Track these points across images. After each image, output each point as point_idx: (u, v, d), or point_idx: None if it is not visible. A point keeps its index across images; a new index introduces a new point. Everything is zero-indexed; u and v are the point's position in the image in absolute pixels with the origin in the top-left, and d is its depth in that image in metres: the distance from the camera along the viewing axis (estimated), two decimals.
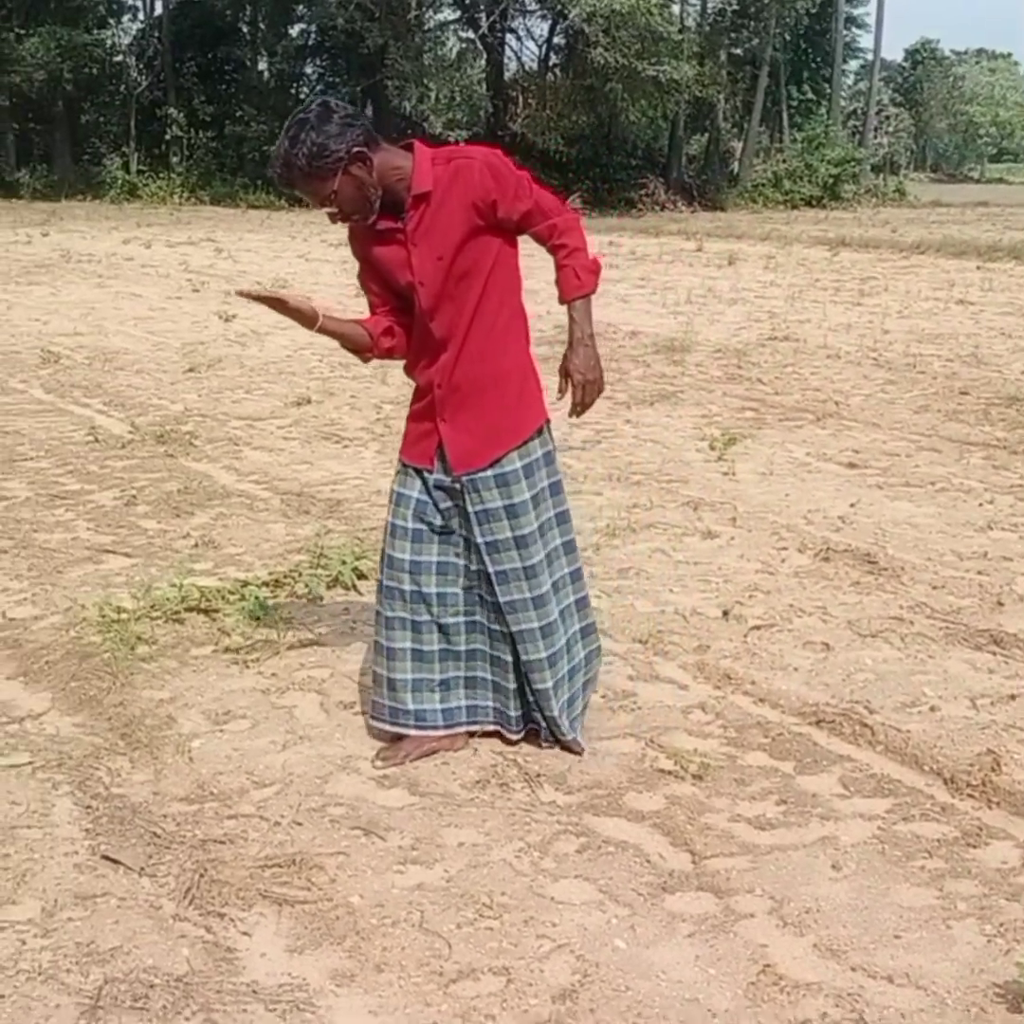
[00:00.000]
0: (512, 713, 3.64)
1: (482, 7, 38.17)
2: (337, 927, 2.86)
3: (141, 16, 43.30)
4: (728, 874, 3.06)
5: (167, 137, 38.48)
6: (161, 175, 37.39)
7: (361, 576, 5.07)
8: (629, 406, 8.82)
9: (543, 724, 3.64)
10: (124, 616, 4.55)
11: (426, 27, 40.13)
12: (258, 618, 4.64)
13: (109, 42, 40.98)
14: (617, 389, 9.38)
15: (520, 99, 39.72)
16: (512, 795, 3.44)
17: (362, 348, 3.54)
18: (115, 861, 3.10)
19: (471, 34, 40.67)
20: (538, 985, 2.66)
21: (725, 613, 4.74)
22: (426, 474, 3.49)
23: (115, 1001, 2.59)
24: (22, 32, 35.61)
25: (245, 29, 41.68)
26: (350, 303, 13.24)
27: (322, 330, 3.46)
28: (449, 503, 3.51)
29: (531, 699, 3.60)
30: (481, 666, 3.63)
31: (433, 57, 40.83)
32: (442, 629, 3.58)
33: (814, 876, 3.06)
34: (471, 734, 3.70)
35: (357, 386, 9.57)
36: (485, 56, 41.20)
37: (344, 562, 5.12)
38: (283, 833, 3.25)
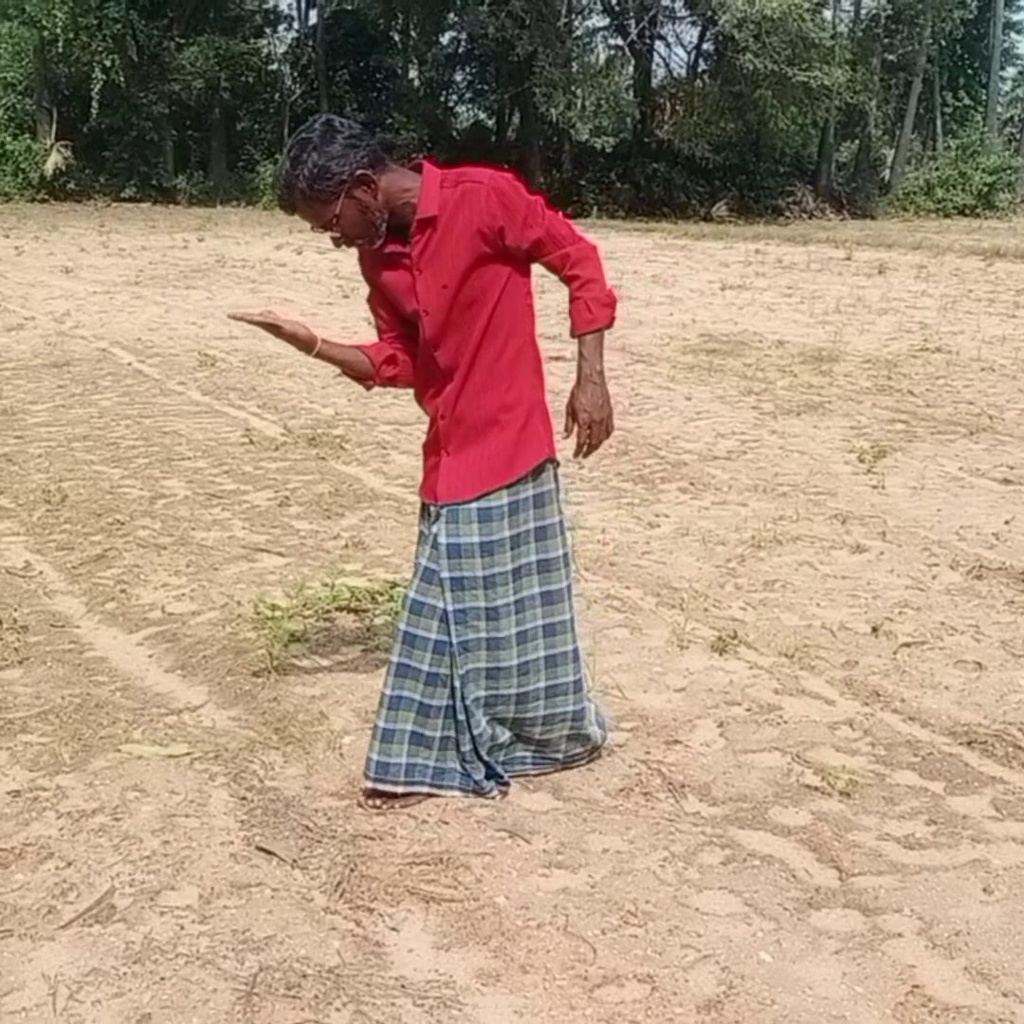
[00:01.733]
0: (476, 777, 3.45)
1: (631, 14, 38.09)
2: (483, 927, 2.90)
3: (296, 25, 44.22)
4: (876, 893, 3.03)
5: None
6: None
7: None
8: (775, 416, 8.73)
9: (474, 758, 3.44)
10: (278, 614, 4.66)
11: (575, 34, 40.14)
12: None
13: (265, 51, 41.92)
14: (763, 399, 9.32)
15: (667, 106, 39.58)
16: (656, 804, 3.45)
17: (363, 375, 3.42)
18: (269, 852, 3.19)
19: (620, 41, 40.60)
20: (682, 994, 2.66)
21: (874, 629, 4.67)
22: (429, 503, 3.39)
23: (269, 989, 2.67)
24: (182, 41, 36.64)
25: (397, 37, 42.27)
26: None
27: (320, 356, 3.35)
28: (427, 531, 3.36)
29: (465, 739, 3.41)
30: (449, 723, 3.42)
31: (581, 64, 40.83)
32: (428, 680, 3.35)
33: (964, 898, 3.01)
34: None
35: None
36: (633, 63, 41.10)
37: None
38: (430, 832, 3.30)
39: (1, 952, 2.78)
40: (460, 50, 42.22)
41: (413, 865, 3.14)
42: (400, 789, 3.40)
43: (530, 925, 2.91)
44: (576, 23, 40.73)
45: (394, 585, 4.99)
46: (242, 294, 15.57)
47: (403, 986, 2.69)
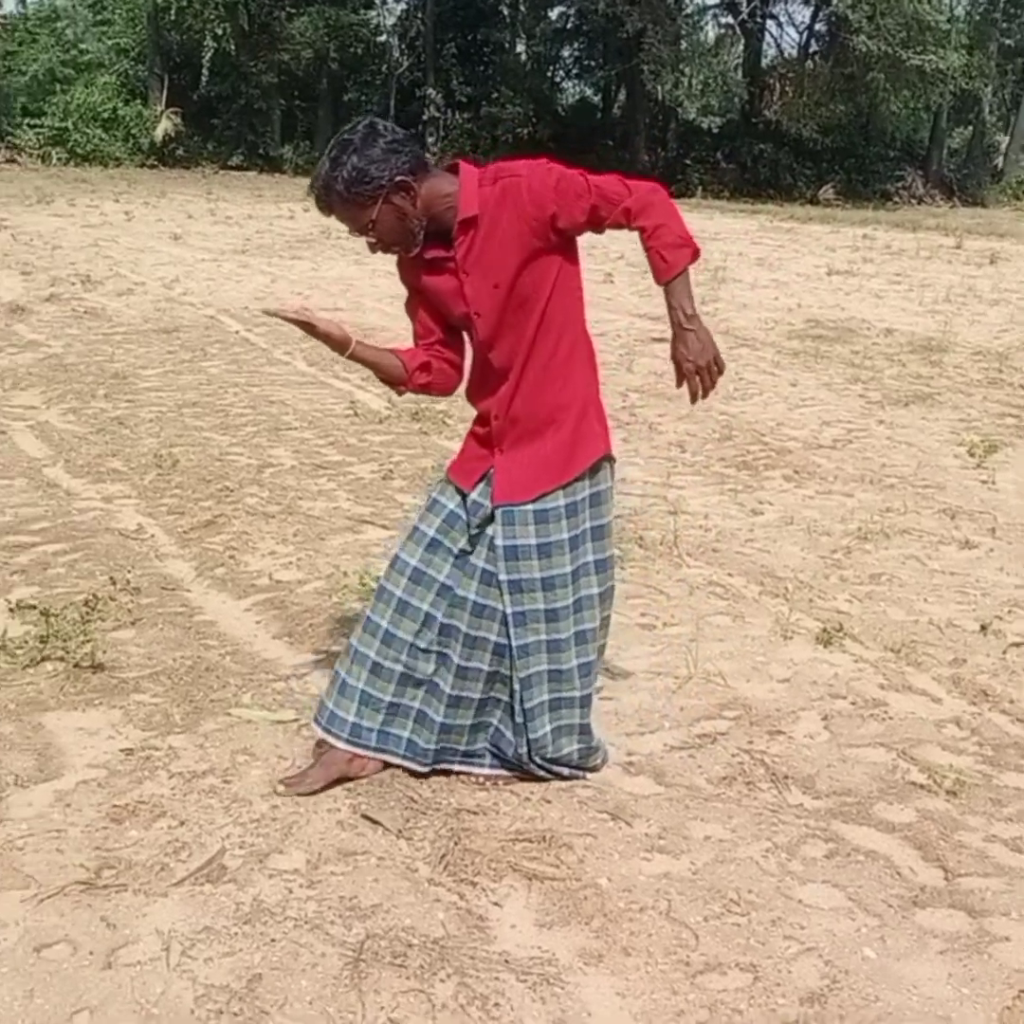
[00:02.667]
0: (429, 746, 3.41)
1: None
2: (585, 907, 2.92)
3: None
4: (983, 894, 3.00)
5: (424, 117, 39.30)
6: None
7: None
8: (882, 406, 8.61)
9: (525, 760, 3.42)
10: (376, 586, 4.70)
11: (686, 12, 39.74)
12: None
13: (374, 22, 42.06)
14: (870, 387, 9.19)
15: (777, 86, 39.08)
16: (758, 795, 3.44)
17: (396, 380, 3.33)
18: (374, 822, 3.23)
19: (731, 19, 40.16)
20: (786, 986, 2.66)
21: (983, 627, 4.60)
22: (466, 493, 3.31)
23: (376, 956, 2.71)
24: (293, 11, 36.88)
25: (505, 11, 42.11)
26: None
27: (354, 357, 3.26)
28: (479, 530, 3.29)
29: (522, 741, 3.37)
30: (436, 704, 3.37)
31: (690, 42, 40.44)
32: (411, 650, 3.34)
33: None
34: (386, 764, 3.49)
35: (604, 373, 9.56)
36: (743, 42, 40.63)
37: None
38: (533, 809, 3.33)
39: (117, 906, 2.86)
40: (568, 25, 41.99)
41: (516, 841, 3.17)
42: (370, 753, 3.41)
43: (632, 908, 2.92)
44: (687, 1, 40.37)
45: None
46: (347, 266, 15.67)
47: (506, 961, 2.72)
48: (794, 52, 40.69)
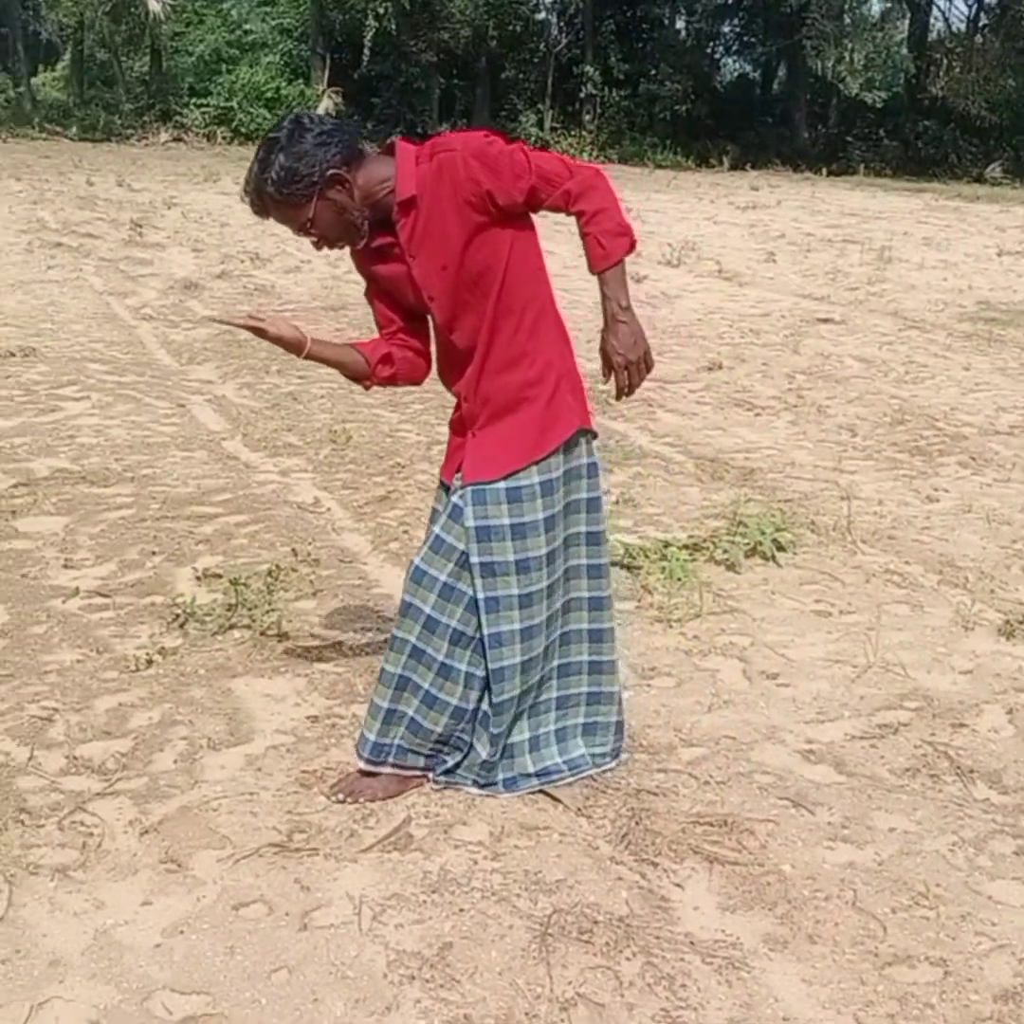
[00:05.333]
0: (371, 737, 3.24)
1: None
2: (768, 892, 2.91)
3: None
4: None
5: (581, 95, 39.14)
6: (572, 132, 38.12)
7: (780, 548, 5.07)
8: None
9: (462, 768, 3.29)
10: None
11: None
12: (679, 579, 4.74)
13: (534, 0, 42.01)
14: None
15: (943, 61, 37.94)
16: (943, 787, 3.38)
17: (360, 375, 3.21)
18: (555, 798, 3.27)
19: None
20: (978, 982, 2.62)
21: None
22: (448, 485, 3.20)
23: (563, 931, 2.75)
24: None
25: None
26: (722, 288, 13.21)
27: (311, 357, 3.12)
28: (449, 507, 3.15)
29: (467, 738, 3.25)
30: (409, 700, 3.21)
31: (854, 17, 39.48)
32: (414, 653, 3.16)
33: None
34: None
35: (768, 354, 9.51)
36: (909, 16, 39.55)
37: (763, 532, 5.14)
38: (713, 794, 3.33)
39: (309, 869, 2.95)
40: (729, 1, 41.38)
41: (696, 824, 3.17)
42: (386, 770, 3.26)
43: (817, 896, 2.90)
44: None
45: (667, 544, 5.02)
46: None
47: (691, 943, 2.73)
48: (962, 26, 39.52)
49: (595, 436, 3.24)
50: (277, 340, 3.09)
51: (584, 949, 2.70)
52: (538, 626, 3.15)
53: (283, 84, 36.93)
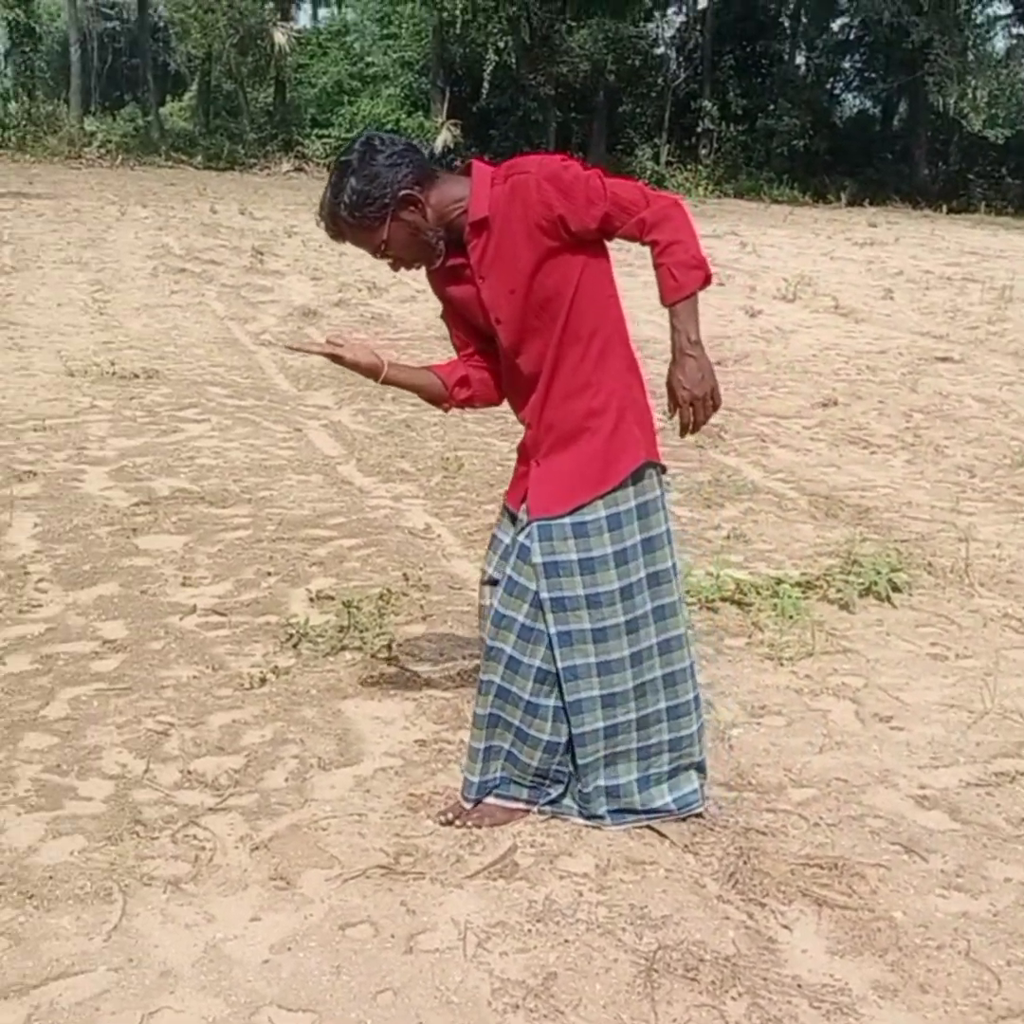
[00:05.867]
0: (474, 779, 3.25)
1: None
2: (878, 938, 2.86)
3: (685, 9, 44.26)
4: None
5: (698, 129, 39.18)
6: (688, 167, 38.14)
7: (896, 589, 4.99)
8: None
9: (567, 798, 3.29)
10: None
11: (975, 22, 38.42)
12: (791, 617, 4.69)
13: (653, 35, 42.18)
14: None
15: None
16: None
17: (438, 398, 3.21)
18: (661, 834, 3.24)
19: (1023, 30, 38.56)
20: None
21: None
22: (515, 514, 3.16)
23: (668, 967, 2.72)
24: (574, 24, 37.34)
25: (786, 23, 41.62)
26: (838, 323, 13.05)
27: (388, 381, 3.15)
28: (513, 540, 3.14)
29: (567, 768, 3.24)
30: (512, 739, 3.21)
31: (978, 53, 39.00)
32: (501, 694, 3.16)
33: None
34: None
35: (885, 391, 9.39)
36: None
37: (878, 572, 5.06)
38: (823, 836, 3.28)
39: (415, 892, 2.96)
40: (851, 36, 41.16)
41: (806, 866, 3.13)
42: (491, 800, 3.27)
43: (929, 944, 2.84)
44: (976, 11, 38.98)
45: (779, 581, 4.97)
46: (621, 277, 15.73)
47: (799, 985, 2.69)
48: None
49: (664, 470, 3.17)
50: (353, 366, 3.13)
51: (690, 987, 2.67)
52: (617, 661, 3.10)
53: (403, 116, 37.56)
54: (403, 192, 2.88)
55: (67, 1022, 2.51)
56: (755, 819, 3.35)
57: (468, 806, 3.26)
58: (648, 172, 37.53)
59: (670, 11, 44.28)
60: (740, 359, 10.55)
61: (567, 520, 3.01)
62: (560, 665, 3.07)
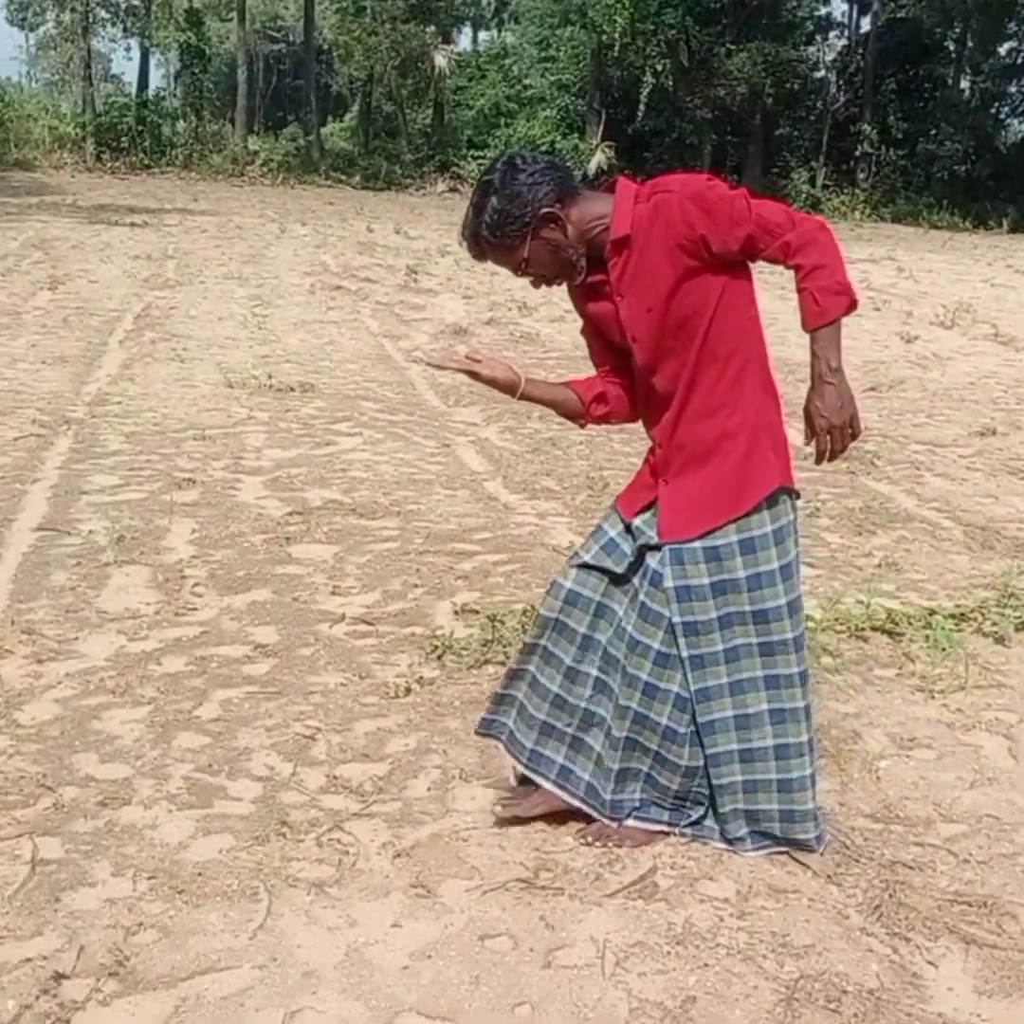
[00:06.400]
0: (606, 796, 3.20)
1: None
2: None
3: (846, 33, 43.82)
4: None
5: (857, 153, 38.68)
6: (845, 190, 37.68)
7: None
8: None
9: (708, 819, 3.24)
10: (811, 626, 4.64)
11: None
12: (944, 649, 4.58)
13: (813, 58, 41.80)
14: None
15: None
16: None
17: (574, 414, 3.20)
18: (804, 864, 3.19)
19: None
20: None
21: None
22: (628, 521, 3.11)
23: (809, 997, 2.68)
24: (733, 47, 37.23)
25: (951, 47, 40.88)
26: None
27: (525, 397, 3.15)
28: (637, 558, 3.08)
29: (707, 790, 3.19)
30: (595, 733, 3.21)
31: None
32: (568, 674, 3.18)
33: None
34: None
35: None
36: None
37: None
38: (972, 872, 3.19)
39: (554, 908, 2.96)
40: (1019, 60, 40.21)
41: (954, 903, 3.05)
42: (630, 822, 3.25)
43: None
44: None
45: (932, 612, 4.86)
46: (771, 299, 15.60)
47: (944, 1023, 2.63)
48: None
49: (798, 496, 3.12)
50: (491, 382, 3.13)
51: (831, 1018, 2.62)
52: (750, 681, 3.09)
53: (558, 138, 37.82)
54: (544, 210, 2.89)
55: (213, 1016, 2.57)
56: (902, 853, 3.27)
57: (604, 821, 3.24)
58: (804, 195, 37.17)
59: (832, 35, 43.87)
60: (895, 385, 10.35)
61: (699, 544, 2.99)
62: (692, 687, 3.07)
